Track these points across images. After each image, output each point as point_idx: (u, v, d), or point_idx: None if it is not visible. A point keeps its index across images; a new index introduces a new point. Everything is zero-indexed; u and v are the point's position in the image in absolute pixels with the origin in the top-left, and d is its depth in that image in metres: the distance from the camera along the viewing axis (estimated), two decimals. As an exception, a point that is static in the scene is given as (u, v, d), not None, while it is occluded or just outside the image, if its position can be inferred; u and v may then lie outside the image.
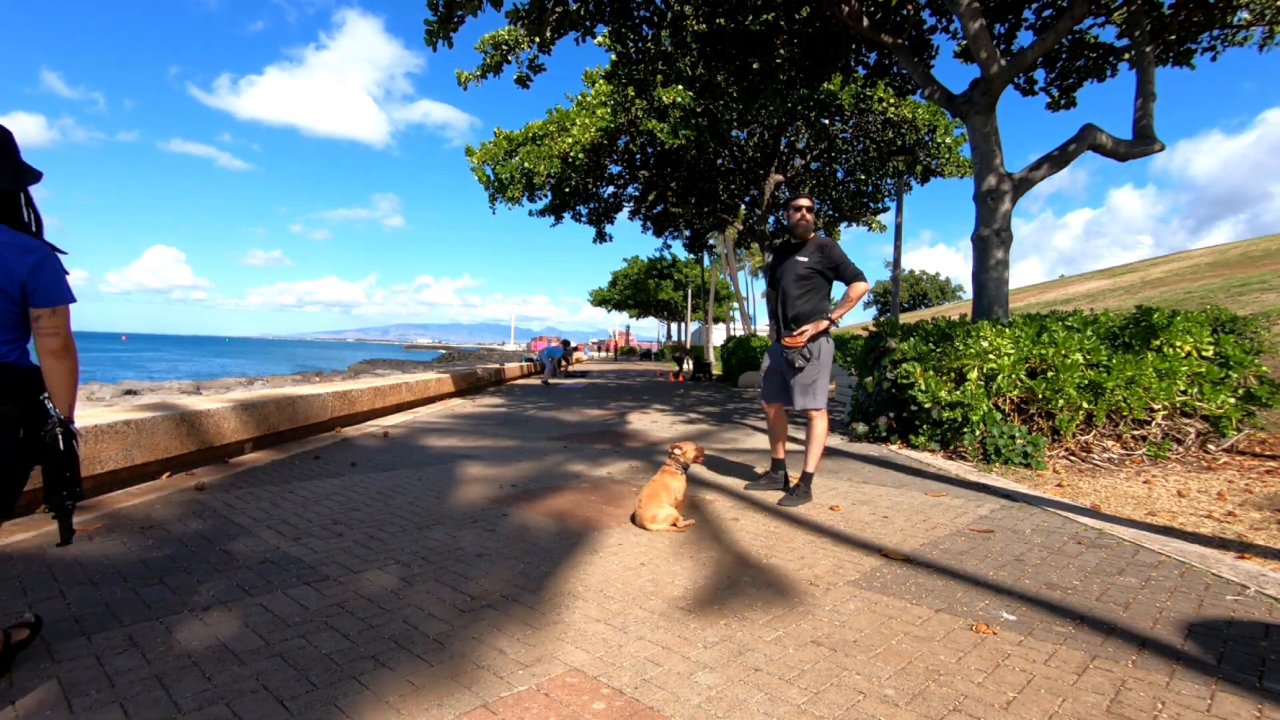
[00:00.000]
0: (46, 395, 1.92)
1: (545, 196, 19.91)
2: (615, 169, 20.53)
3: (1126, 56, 9.61)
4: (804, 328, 4.00)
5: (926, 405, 5.83)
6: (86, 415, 4.42)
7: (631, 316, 61.30)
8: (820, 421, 4.07)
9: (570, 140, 17.24)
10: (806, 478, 4.11)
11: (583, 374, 24.49)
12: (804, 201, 4.11)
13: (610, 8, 9.48)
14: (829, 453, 5.99)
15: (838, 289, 4.23)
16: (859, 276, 4.00)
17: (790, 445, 4.31)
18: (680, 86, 13.34)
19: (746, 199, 21.23)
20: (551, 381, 18.46)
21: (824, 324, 4.00)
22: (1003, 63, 7.61)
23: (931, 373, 5.90)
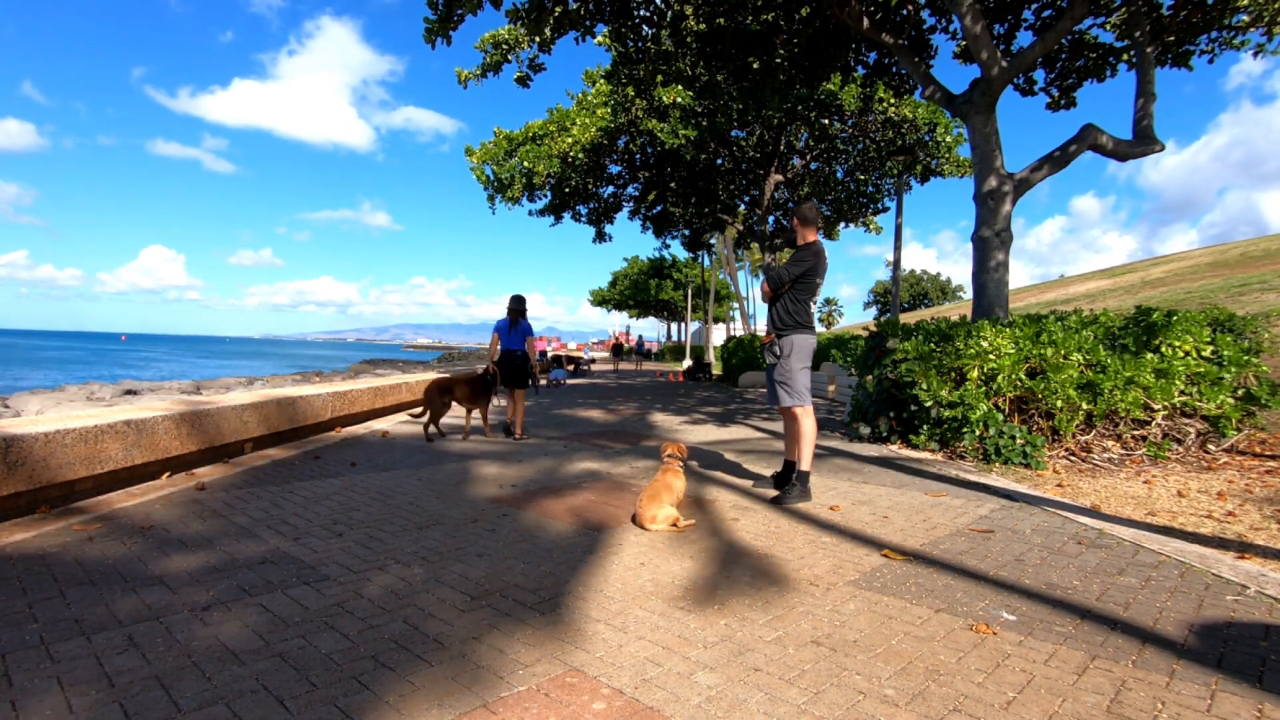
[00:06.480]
0: None
1: (545, 196, 19.92)
2: (615, 169, 20.54)
3: (1126, 57, 9.61)
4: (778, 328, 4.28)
5: (928, 404, 5.83)
6: (86, 415, 4.42)
7: (631, 316, 61.36)
8: (805, 419, 4.13)
9: (570, 140, 17.25)
10: (801, 476, 4.13)
11: (583, 375, 24.57)
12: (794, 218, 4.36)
13: (610, 7, 9.48)
14: (830, 453, 5.99)
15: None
16: (767, 277, 4.25)
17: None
18: (680, 86, 13.34)
19: (746, 199, 21.24)
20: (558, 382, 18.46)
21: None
22: (1003, 63, 7.61)
23: (934, 372, 5.90)
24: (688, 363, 24.94)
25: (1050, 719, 1.71)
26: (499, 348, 7.31)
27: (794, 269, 4.12)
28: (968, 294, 31.86)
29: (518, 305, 7.31)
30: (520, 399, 7.25)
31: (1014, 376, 5.56)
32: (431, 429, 6.91)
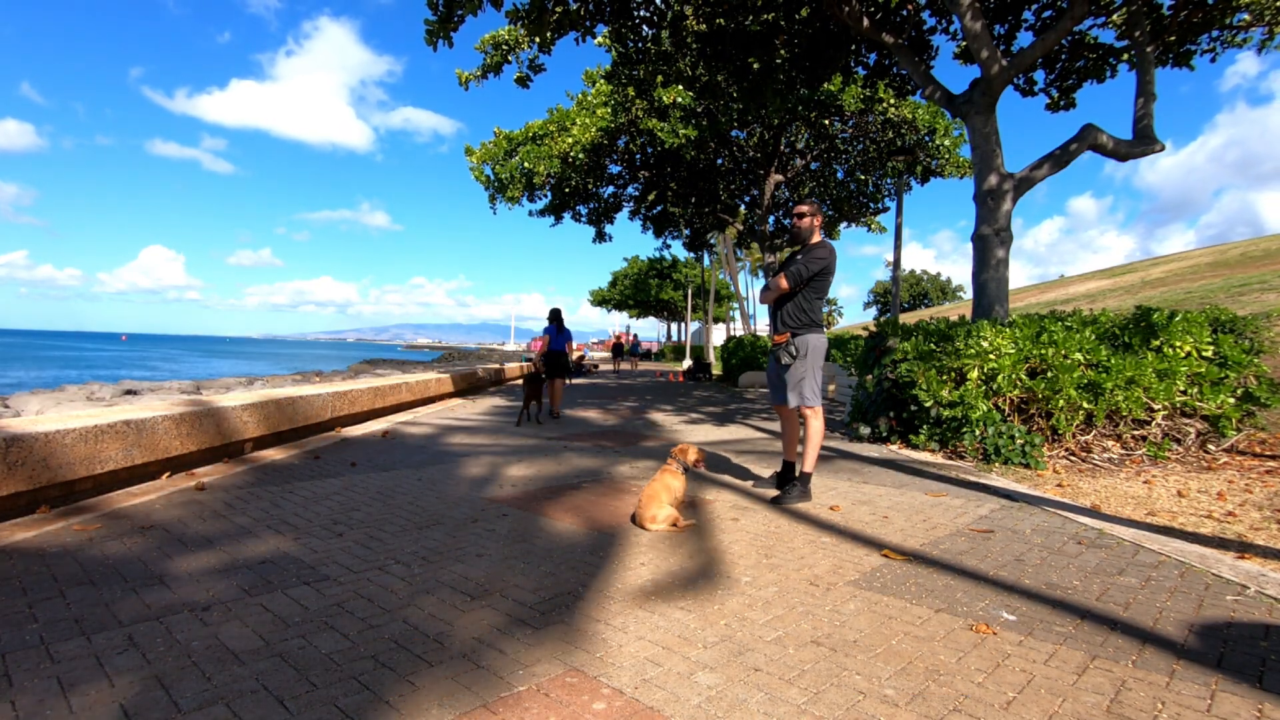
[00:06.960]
0: None
1: (545, 196, 19.92)
2: (615, 169, 20.53)
3: (1126, 57, 9.61)
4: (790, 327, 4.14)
5: (928, 404, 5.83)
6: (86, 415, 4.42)
7: (632, 316, 61.40)
8: (814, 420, 4.10)
9: (570, 140, 17.24)
10: (804, 477, 4.12)
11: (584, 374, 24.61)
12: (801, 208, 4.22)
13: (610, 8, 9.48)
14: (830, 453, 5.99)
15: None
16: (786, 272, 4.11)
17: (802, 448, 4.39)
18: (680, 86, 13.34)
19: (746, 199, 21.23)
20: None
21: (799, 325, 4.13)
22: (1003, 63, 7.61)
23: (933, 372, 5.90)
24: (688, 363, 25.08)
25: (1050, 719, 1.71)
26: (548, 348, 9.26)
27: (812, 265, 4.05)
28: (967, 294, 31.85)
29: (558, 316, 9.34)
30: (560, 386, 9.33)
31: (1014, 376, 5.55)
32: (531, 411, 8.56)
